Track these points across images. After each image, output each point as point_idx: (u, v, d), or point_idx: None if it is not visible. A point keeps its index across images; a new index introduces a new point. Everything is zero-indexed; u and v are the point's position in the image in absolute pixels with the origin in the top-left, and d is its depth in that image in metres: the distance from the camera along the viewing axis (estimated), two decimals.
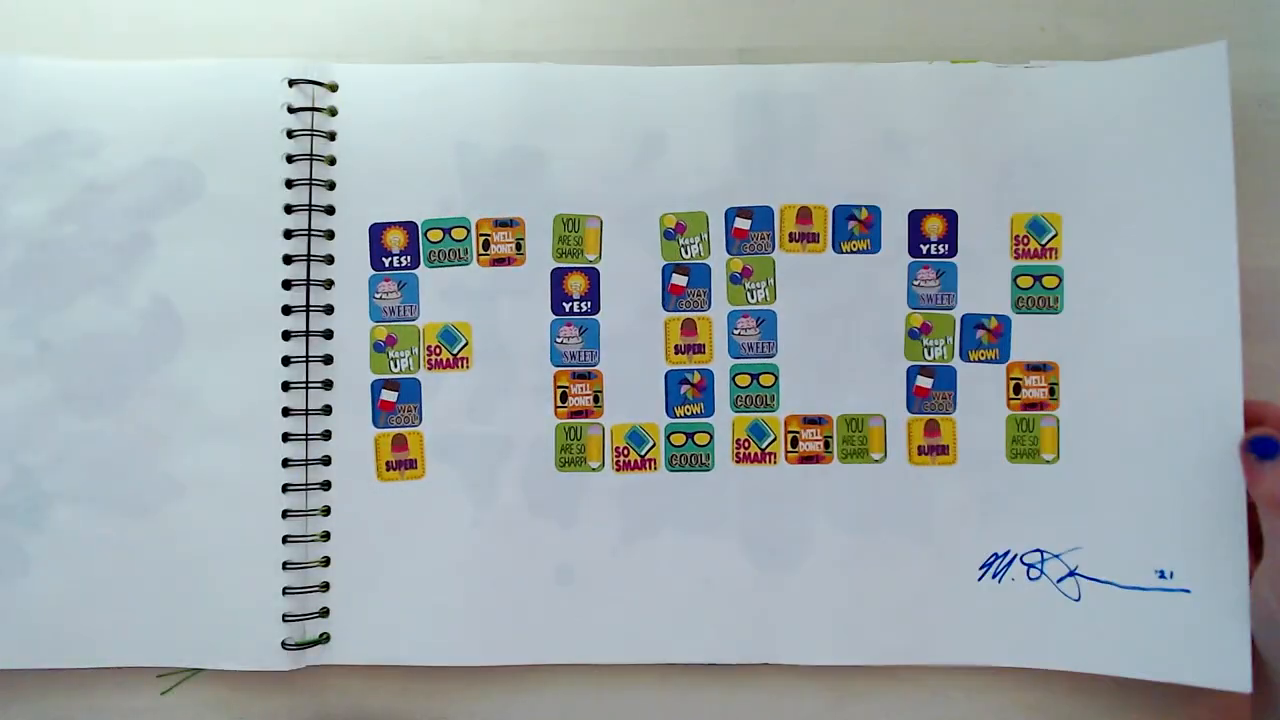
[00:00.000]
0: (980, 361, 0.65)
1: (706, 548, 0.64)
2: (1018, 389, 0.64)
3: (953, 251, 0.65)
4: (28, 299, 0.64)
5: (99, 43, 0.67)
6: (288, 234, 0.64)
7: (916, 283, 0.65)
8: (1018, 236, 0.65)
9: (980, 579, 0.64)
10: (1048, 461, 0.64)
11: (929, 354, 0.65)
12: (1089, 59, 0.65)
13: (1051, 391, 0.64)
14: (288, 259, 0.64)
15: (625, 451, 0.65)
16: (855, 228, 0.65)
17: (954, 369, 0.65)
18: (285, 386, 0.64)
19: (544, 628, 0.64)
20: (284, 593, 0.63)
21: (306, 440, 0.64)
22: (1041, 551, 0.64)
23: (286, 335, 0.64)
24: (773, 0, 0.68)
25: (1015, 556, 0.64)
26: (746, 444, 0.65)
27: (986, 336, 0.65)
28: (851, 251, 0.65)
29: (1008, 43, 0.67)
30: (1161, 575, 0.62)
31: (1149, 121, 0.64)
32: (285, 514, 0.64)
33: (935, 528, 0.64)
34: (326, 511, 0.64)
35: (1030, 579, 0.64)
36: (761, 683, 0.65)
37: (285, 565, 0.63)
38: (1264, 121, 0.67)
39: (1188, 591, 0.61)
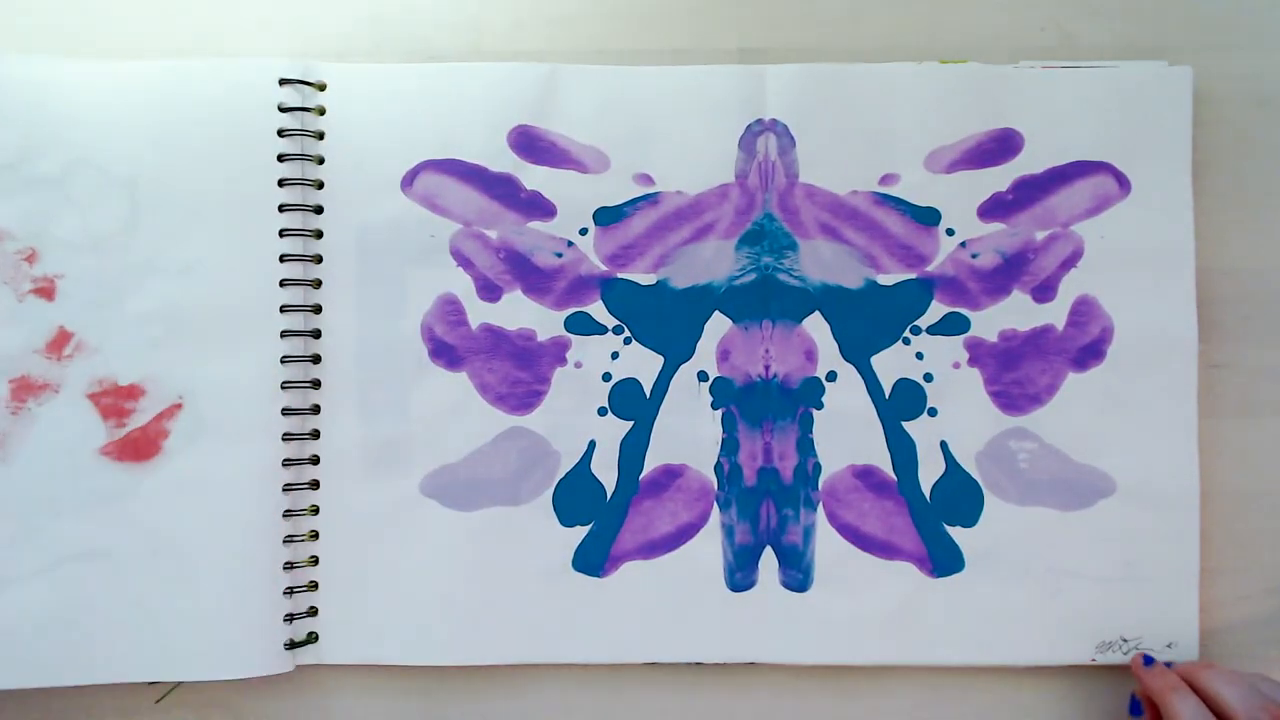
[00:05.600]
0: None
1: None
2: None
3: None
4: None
5: (92, 41, 0.67)
6: (281, 233, 0.64)
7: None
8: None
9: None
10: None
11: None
12: (1089, 59, 0.66)
13: None
14: (283, 258, 0.64)
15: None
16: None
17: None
18: (284, 386, 0.64)
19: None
20: (286, 593, 0.63)
21: (299, 440, 0.64)
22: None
23: (284, 334, 0.64)
24: (773, 0, 0.67)
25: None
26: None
27: None
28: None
29: (1007, 42, 0.67)
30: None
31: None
32: (287, 514, 0.63)
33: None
34: (315, 510, 0.64)
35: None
36: (759, 682, 0.65)
37: (287, 565, 0.63)
38: (1262, 122, 0.66)
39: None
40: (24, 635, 0.62)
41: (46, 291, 0.64)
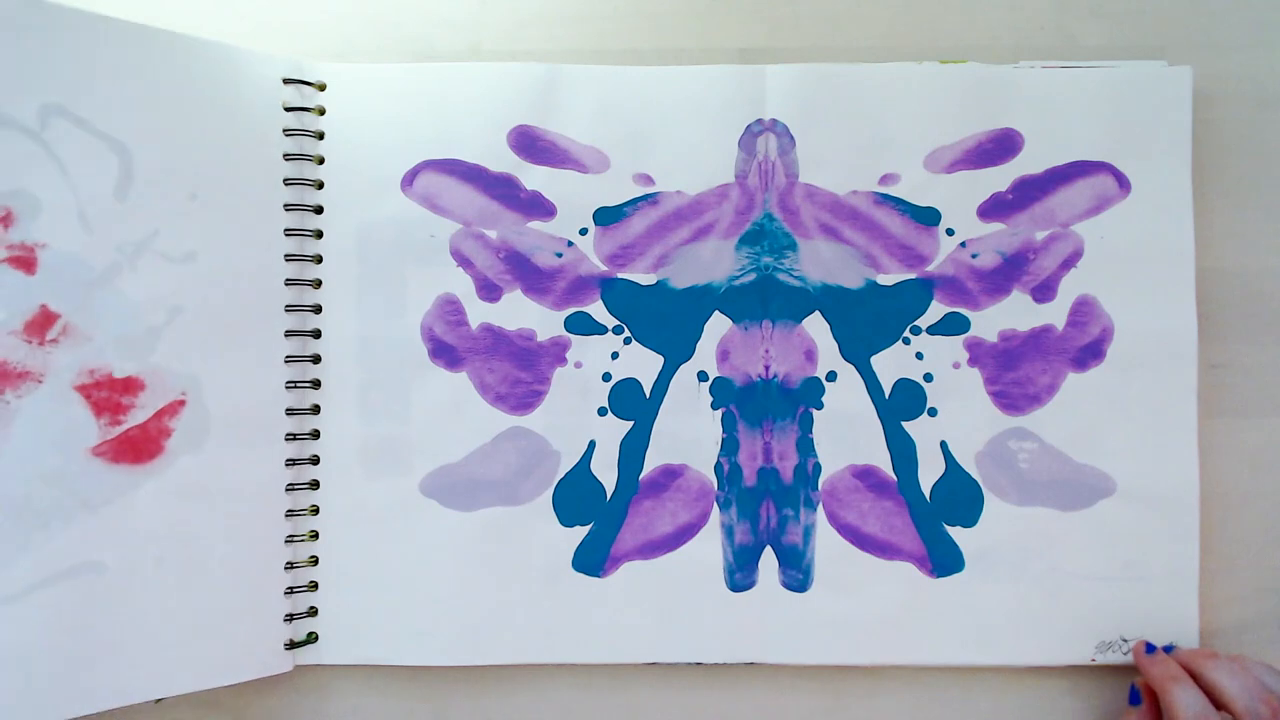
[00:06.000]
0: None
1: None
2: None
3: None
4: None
5: None
6: (287, 232, 0.64)
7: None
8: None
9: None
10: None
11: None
12: (1089, 59, 0.66)
13: None
14: (288, 257, 0.64)
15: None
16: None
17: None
18: (289, 385, 0.64)
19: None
20: (286, 593, 0.63)
21: (299, 440, 0.64)
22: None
23: (288, 334, 0.64)
24: (773, 0, 0.67)
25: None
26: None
27: None
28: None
29: (1007, 42, 0.67)
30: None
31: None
32: (289, 514, 0.63)
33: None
34: (315, 511, 0.64)
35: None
36: (759, 682, 0.65)
37: (288, 566, 0.63)
38: (1262, 122, 0.66)
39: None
40: (11, 665, 0.55)
41: (25, 262, 0.56)
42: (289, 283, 0.64)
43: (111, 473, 0.58)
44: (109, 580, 0.57)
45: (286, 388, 0.64)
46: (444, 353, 0.65)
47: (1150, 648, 0.62)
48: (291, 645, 0.63)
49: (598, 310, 0.65)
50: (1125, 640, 0.63)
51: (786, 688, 0.65)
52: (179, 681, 0.60)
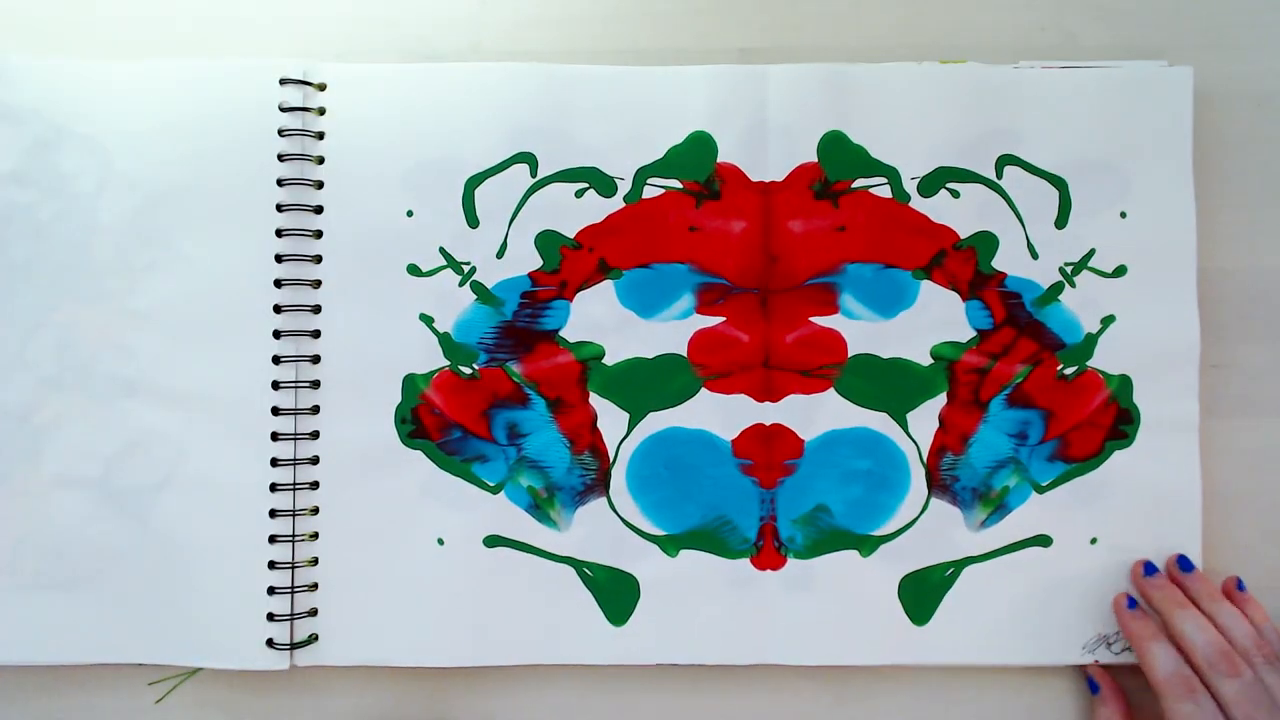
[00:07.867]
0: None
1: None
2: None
3: None
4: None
5: (92, 39, 0.67)
6: (279, 233, 0.64)
7: None
8: None
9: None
10: None
11: None
12: (1089, 59, 0.65)
13: None
14: (279, 258, 0.64)
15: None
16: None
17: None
18: (275, 385, 0.64)
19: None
20: (270, 592, 0.63)
21: (295, 440, 0.64)
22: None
23: (277, 334, 0.64)
24: (773, 0, 0.67)
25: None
26: None
27: None
28: None
29: (1007, 42, 0.67)
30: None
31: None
32: (273, 513, 0.63)
33: None
34: (315, 511, 0.64)
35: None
36: (760, 682, 0.64)
37: (272, 565, 0.63)
38: (1262, 122, 0.66)
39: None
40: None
41: None
42: (284, 283, 0.64)
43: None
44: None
45: (274, 387, 0.64)
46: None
47: (1131, 603, 0.62)
48: (291, 645, 0.63)
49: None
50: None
51: (788, 688, 0.64)
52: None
